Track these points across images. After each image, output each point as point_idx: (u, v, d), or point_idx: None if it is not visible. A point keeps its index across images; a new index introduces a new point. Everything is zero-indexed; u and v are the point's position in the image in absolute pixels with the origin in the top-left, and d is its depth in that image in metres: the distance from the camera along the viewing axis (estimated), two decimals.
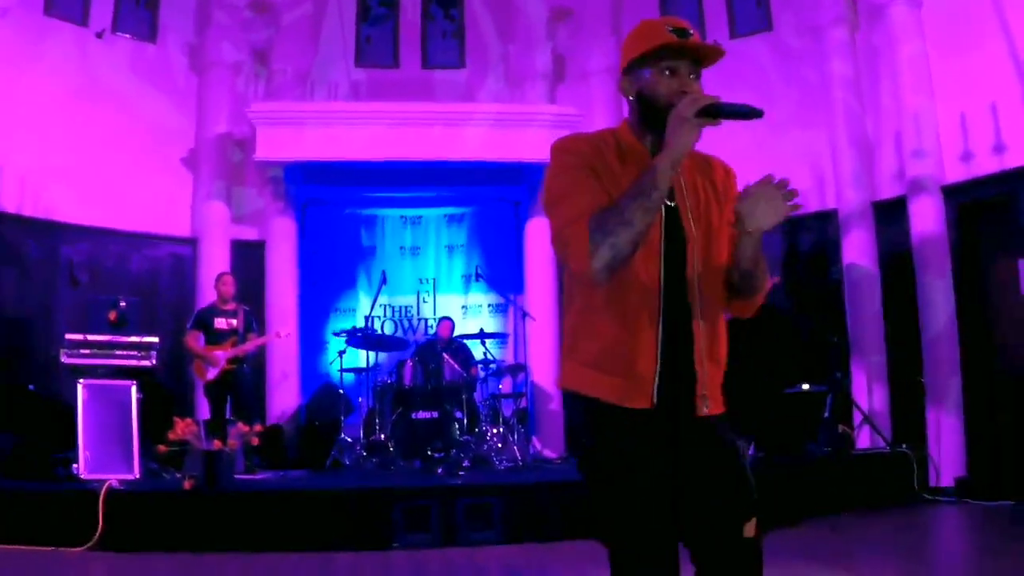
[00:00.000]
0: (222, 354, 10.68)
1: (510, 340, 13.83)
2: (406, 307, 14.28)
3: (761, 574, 2.81)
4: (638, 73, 2.89)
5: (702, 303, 2.84)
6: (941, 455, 10.71)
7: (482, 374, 11.89)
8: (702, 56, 2.85)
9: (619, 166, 2.85)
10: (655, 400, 2.77)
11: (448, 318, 12.81)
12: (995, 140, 10.66)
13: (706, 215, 2.91)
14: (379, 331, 13.29)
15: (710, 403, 2.84)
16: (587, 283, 2.80)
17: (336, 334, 12.00)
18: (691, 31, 2.81)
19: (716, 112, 2.63)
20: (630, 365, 2.78)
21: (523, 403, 12.43)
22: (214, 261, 12.89)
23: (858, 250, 12.05)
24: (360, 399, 12.09)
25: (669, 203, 2.83)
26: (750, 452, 10.52)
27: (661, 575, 2.73)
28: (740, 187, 2.88)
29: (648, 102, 2.87)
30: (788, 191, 2.78)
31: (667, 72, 2.83)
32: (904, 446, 10.89)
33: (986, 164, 10.78)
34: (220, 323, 10.88)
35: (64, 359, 9.86)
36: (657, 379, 2.77)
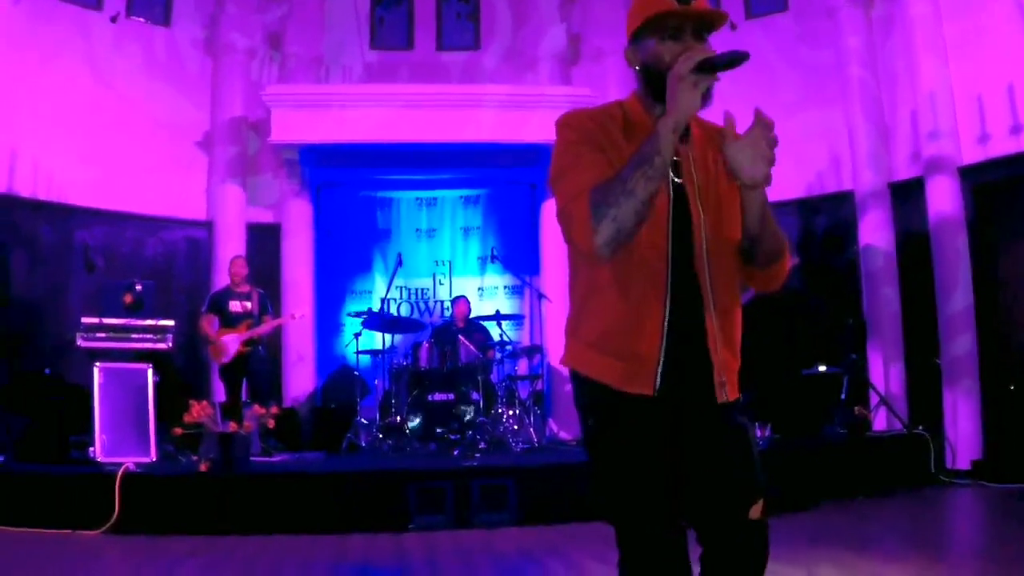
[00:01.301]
0: (236, 337, 10.70)
1: (526, 322, 13.82)
2: (422, 289, 14.29)
3: (767, 555, 2.78)
4: (643, 42, 2.80)
5: (713, 286, 2.75)
6: (958, 437, 10.69)
7: (498, 356, 11.88)
8: (706, 21, 2.75)
9: (624, 140, 2.76)
10: (658, 386, 2.71)
11: (463, 297, 12.78)
12: (1012, 121, 10.61)
13: (715, 191, 2.81)
14: (395, 313, 13.30)
15: (728, 389, 2.78)
16: (592, 261, 2.72)
17: (352, 315, 11.99)
18: None
19: (711, 65, 2.53)
20: (633, 348, 2.72)
21: (539, 385, 12.49)
22: (230, 244, 12.94)
23: (874, 231, 12.02)
24: (376, 381, 12.12)
25: (676, 179, 2.76)
26: (767, 434, 10.52)
27: (667, 556, 2.71)
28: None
29: (652, 70, 2.77)
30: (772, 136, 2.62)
31: (670, 39, 2.73)
32: (921, 428, 10.86)
33: (1003, 145, 10.73)
34: (235, 306, 10.91)
35: (80, 343, 9.88)
36: (661, 364, 2.70)
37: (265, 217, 13.78)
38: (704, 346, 2.75)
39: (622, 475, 2.74)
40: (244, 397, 10.80)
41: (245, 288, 11.06)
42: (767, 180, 2.63)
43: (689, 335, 2.74)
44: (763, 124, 2.60)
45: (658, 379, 2.70)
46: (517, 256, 13.79)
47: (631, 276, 2.72)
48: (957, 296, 10.88)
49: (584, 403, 2.88)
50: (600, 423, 2.81)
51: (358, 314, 11.79)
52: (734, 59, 2.53)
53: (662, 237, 2.71)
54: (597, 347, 2.79)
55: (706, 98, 2.59)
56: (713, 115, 2.81)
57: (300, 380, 13.34)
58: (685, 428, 2.75)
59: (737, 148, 2.62)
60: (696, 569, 2.78)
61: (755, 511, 2.74)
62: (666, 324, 2.70)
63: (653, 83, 2.78)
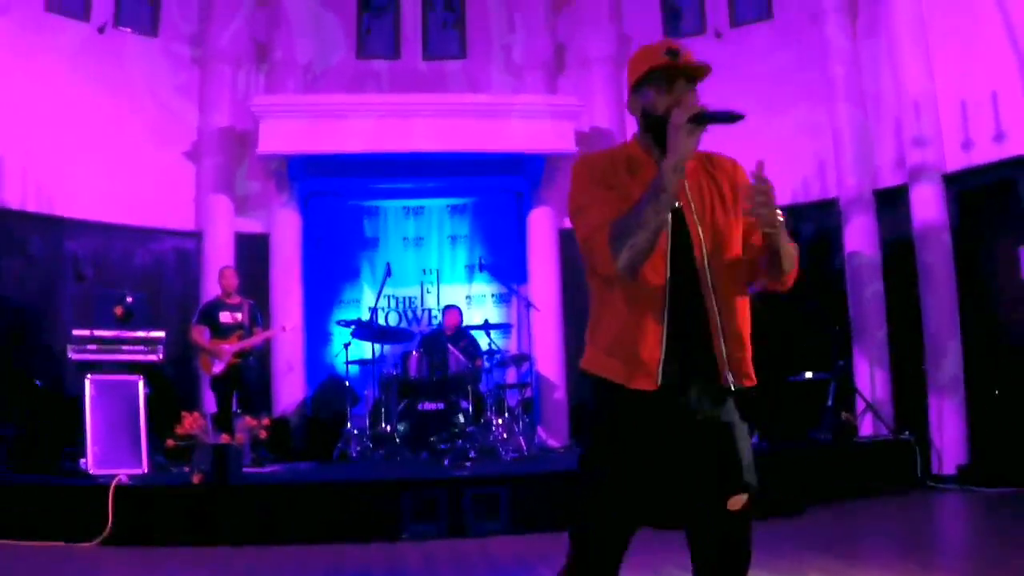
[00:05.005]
0: (228, 348, 10.72)
1: (514, 330, 13.85)
2: (410, 298, 14.30)
3: (748, 548, 3.10)
4: (642, 92, 3.22)
5: (716, 294, 3.11)
6: (943, 442, 10.76)
7: (487, 365, 11.92)
8: (693, 72, 3.16)
9: (629, 178, 3.17)
10: (660, 382, 3.05)
11: (455, 307, 12.83)
12: (995, 128, 10.69)
13: (712, 214, 3.18)
14: (383, 322, 13.32)
15: (734, 377, 3.12)
16: (602, 282, 3.18)
17: (341, 323, 12.04)
18: (681, 52, 3.15)
19: (703, 118, 2.93)
20: (636, 353, 3.07)
21: (528, 393, 12.51)
22: (218, 254, 12.94)
23: (860, 238, 12.10)
24: (366, 391, 12.16)
25: (675, 204, 3.07)
26: (754, 440, 10.57)
27: (608, 556, 3.13)
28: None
29: (650, 117, 3.19)
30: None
31: (664, 89, 3.15)
32: (907, 433, 10.95)
33: (987, 152, 10.81)
34: (225, 317, 10.92)
35: (71, 355, 9.88)
36: (662, 364, 3.05)
37: (254, 227, 13.77)
38: (709, 342, 3.11)
39: (600, 475, 3.12)
40: (235, 408, 10.80)
41: (236, 299, 11.07)
42: (778, 224, 3.03)
43: (696, 337, 3.11)
44: (759, 183, 3.00)
45: (659, 376, 3.05)
46: (504, 265, 13.81)
47: (636, 294, 3.10)
48: (942, 302, 10.96)
49: (591, 400, 3.26)
50: (599, 421, 3.19)
51: (347, 323, 11.84)
52: (727, 117, 2.95)
53: (662, 258, 3.09)
54: (608, 352, 3.17)
55: (697, 141, 2.99)
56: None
57: (290, 390, 13.33)
58: (682, 424, 3.07)
59: (756, 204, 2.99)
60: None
61: (735, 502, 3.04)
62: (665, 333, 3.08)
63: (651, 128, 3.21)
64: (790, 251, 3.18)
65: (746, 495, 3.05)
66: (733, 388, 3.12)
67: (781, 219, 3.02)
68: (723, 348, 3.11)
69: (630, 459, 3.06)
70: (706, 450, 3.05)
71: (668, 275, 3.10)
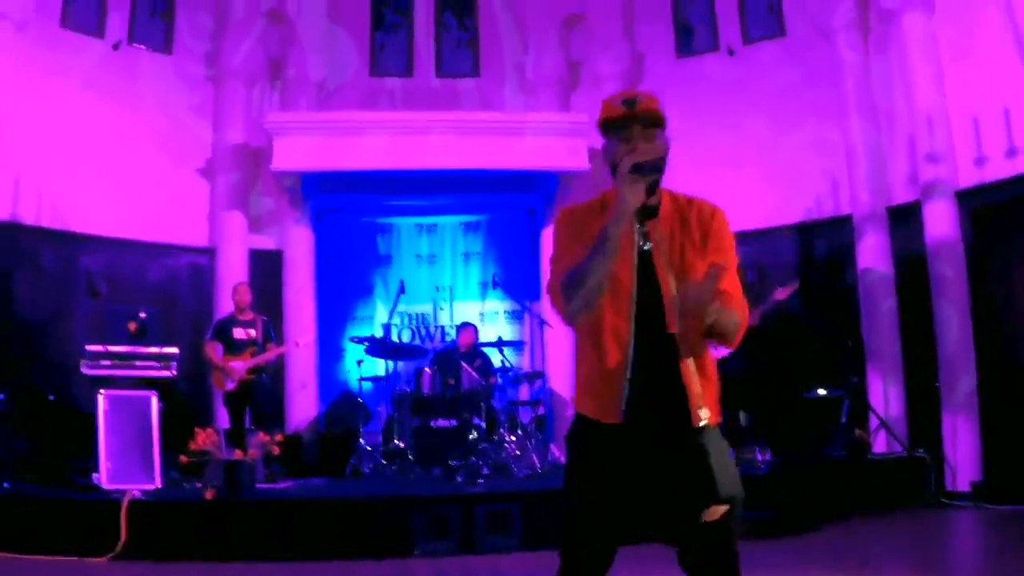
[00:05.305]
0: (239, 367, 10.73)
1: (527, 347, 13.85)
2: (423, 315, 14.31)
3: (733, 559, 3.15)
4: (607, 143, 3.36)
5: (685, 333, 3.19)
6: (957, 459, 10.71)
7: (500, 382, 11.90)
8: (649, 119, 3.29)
9: (600, 221, 3.19)
10: (624, 417, 3.19)
11: (471, 325, 12.81)
12: (1008, 144, 10.66)
13: (680, 258, 3.28)
14: (396, 339, 13.32)
15: (704, 413, 3.22)
16: (577, 324, 3.32)
17: (354, 340, 12.05)
18: (638, 100, 3.29)
19: (639, 169, 3.06)
20: (603, 390, 3.25)
21: (541, 410, 12.47)
22: (232, 270, 12.99)
23: (873, 255, 12.07)
24: (379, 407, 12.15)
25: (645, 248, 3.28)
26: (767, 457, 10.54)
27: (592, 572, 3.30)
28: (726, 225, 3.39)
29: (612, 166, 3.25)
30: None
31: (623, 138, 3.28)
32: (920, 450, 10.91)
33: (1000, 168, 10.77)
34: (239, 333, 10.94)
35: (84, 370, 9.89)
36: (625, 402, 3.20)
37: (267, 243, 13.82)
38: (680, 383, 3.21)
39: (577, 499, 3.29)
40: (248, 424, 10.80)
41: (249, 315, 11.10)
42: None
43: (666, 374, 3.23)
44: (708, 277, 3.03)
45: (624, 412, 3.20)
46: (517, 282, 13.78)
47: (601, 337, 3.26)
48: (955, 318, 10.91)
49: (569, 434, 3.44)
50: (575, 452, 3.40)
51: (360, 340, 11.84)
52: (654, 167, 3.10)
53: (626, 302, 3.24)
54: (583, 390, 3.36)
55: (652, 189, 3.16)
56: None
57: (303, 406, 13.35)
58: (654, 451, 3.19)
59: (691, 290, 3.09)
60: None
61: (712, 513, 3.11)
62: (630, 373, 3.22)
63: (614, 175, 3.25)
64: (730, 324, 3.17)
65: (723, 507, 3.12)
66: (703, 424, 3.20)
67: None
68: (694, 386, 3.21)
69: (606, 488, 3.19)
70: (680, 469, 3.14)
71: (634, 317, 3.23)
